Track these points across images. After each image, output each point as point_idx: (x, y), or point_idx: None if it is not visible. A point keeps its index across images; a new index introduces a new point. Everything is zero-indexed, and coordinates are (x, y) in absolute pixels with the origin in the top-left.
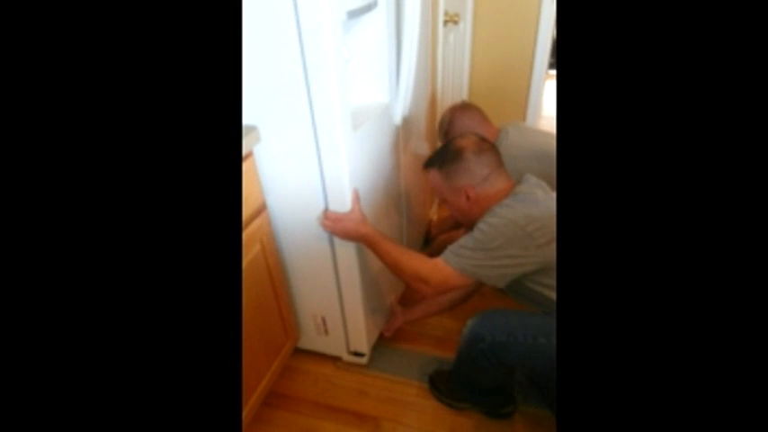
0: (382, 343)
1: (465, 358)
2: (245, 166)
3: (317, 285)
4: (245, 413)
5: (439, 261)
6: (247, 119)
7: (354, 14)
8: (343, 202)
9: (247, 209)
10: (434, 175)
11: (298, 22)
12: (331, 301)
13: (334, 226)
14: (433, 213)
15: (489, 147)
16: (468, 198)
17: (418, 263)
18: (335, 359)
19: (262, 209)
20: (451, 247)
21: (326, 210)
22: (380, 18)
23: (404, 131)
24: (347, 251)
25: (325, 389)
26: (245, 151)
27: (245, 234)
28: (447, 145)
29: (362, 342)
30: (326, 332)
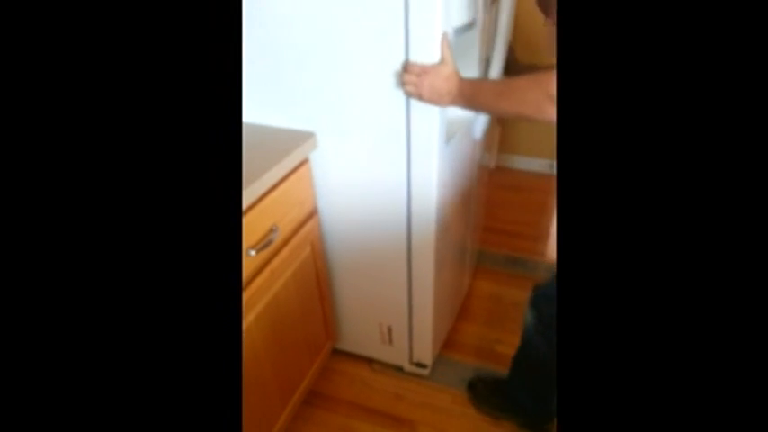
0: None
1: (526, 345)
2: (301, 171)
3: (388, 294)
4: (287, 411)
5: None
6: (305, 125)
7: (459, 32)
8: (428, 209)
9: (302, 212)
10: None
11: (407, 33)
12: (400, 311)
13: (420, 82)
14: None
15: None
16: None
17: (543, 82)
18: (389, 366)
19: (313, 213)
20: None
21: (408, 62)
22: (476, 37)
23: (480, 145)
24: (425, 258)
25: (361, 390)
26: (301, 158)
27: (299, 236)
28: None
29: (427, 354)
30: (391, 341)
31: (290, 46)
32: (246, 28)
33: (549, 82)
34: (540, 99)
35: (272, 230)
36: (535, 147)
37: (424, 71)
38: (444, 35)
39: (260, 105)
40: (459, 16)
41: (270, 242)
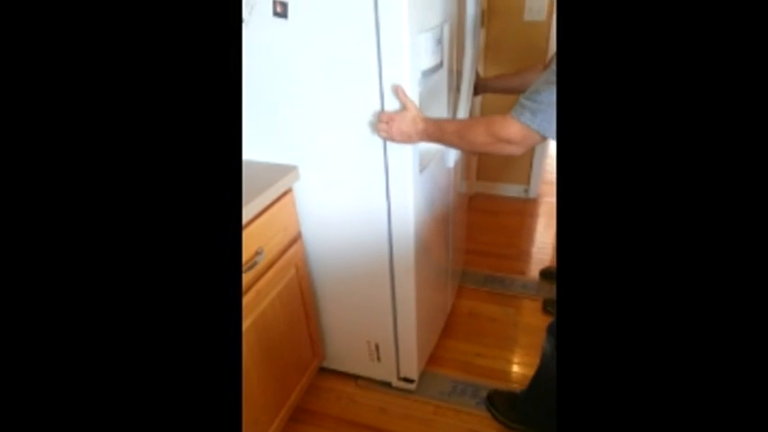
0: None
1: (543, 370)
2: (284, 200)
3: (374, 312)
4: (273, 426)
5: (510, 116)
6: (288, 160)
7: (426, 74)
8: (407, 233)
9: (286, 237)
10: None
11: (380, 75)
12: (386, 329)
13: (389, 128)
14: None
15: None
16: None
17: (490, 125)
18: (363, 380)
19: (297, 237)
20: (523, 100)
21: (381, 112)
22: (443, 76)
23: (455, 173)
24: (406, 278)
25: (347, 405)
26: (284, 188)
27: (283, 259)
28: None
29: (413, 369)
30: (378, 359)
31: (284, 96)
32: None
33: (495, 124)
34: (488, 141)
35: (257, 253)
36: (510, 173)
37: (391, 118)
38: (398, 86)
39: (250, 142)
40: (427, 60)
41: (255, 264)
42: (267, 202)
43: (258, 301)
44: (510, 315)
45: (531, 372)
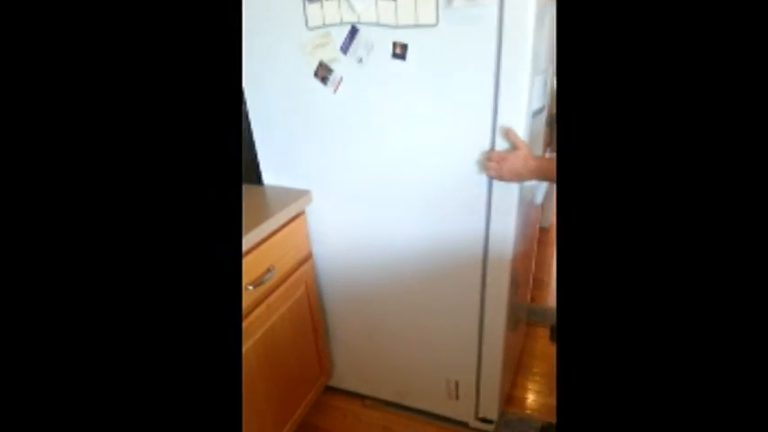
0: None
1: None
2: (296, 222)
3: (458, 348)
4: None
5: None
6: (302, 185)
7: (533, 115)
8: (502, 264)
9: (297, 256)
10: None
11: (495, 115)
12: (469, 365)
13: (500, 167)
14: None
15: None
16: None
17: None
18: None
19: (308, 257)
20: None
21: (490, 150)
22: (542, 119)
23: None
24: (497, 311)
25: (352, 424)
26: (297, 210)
27: (294, 276)
28: None
29: (494, 408)
30: (457, 397)
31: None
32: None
33: None
34: None
35: (268, 270)
36: None
37: (502, 158)
38: (509, 128)
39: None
40: (536, 102)
41: (266, 280)
42: (280, 223)
43: (269, 315)
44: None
45: (540, 398)
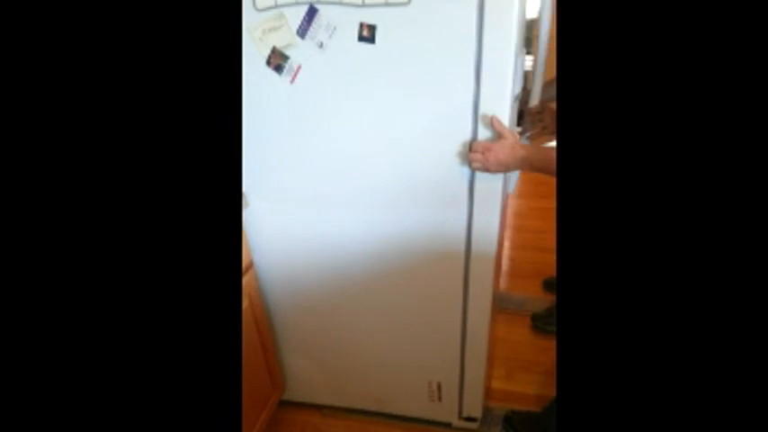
0: None
1: None
2: None
3: (439, 349)
4: None
5: None
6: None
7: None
8: (487, 255)
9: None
10: None
11: (476, 102)
12: (452, 365)
13: (485, 158)
14: None
15: None
16: None
17: None
18: (326, 409)
19: (249, 267)
20: None
21: (473, 141)
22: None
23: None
24: (482, 308)
25: None
26: None
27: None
28: None
29: (477, 406)
30: (440, 399)
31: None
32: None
33: None
34: None
35: None
36: None
37: (487, 147)
38: (493, 115)
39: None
40: (517, 86)
41: None
42: None
43: None
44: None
45: (536, 390)
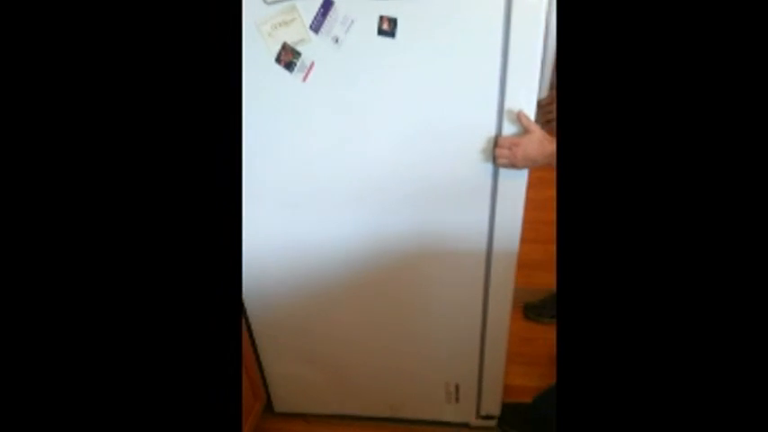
0: None
1: None
2: None
3: (458, 350)
4: None
5: None
6: None
7: None
8: (510, 251)
9: None
10: None
11: (502, 96)
12: (471, 365)
13: (513, 154)
14: None
15: None
16: None
17: None
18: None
19: None
20: None
21: (498, 136)
22: None
23: None
24: (502, 305)
25: None
26: None
27: None
28: None
29: (496, 403)
30: (457, 400)
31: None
32: None
33: None
34: None
35: None
36: None
37: (515, 143)
38: (520, 110)
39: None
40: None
41: None
42: None
43: None
44: None
45: (532, 381)
